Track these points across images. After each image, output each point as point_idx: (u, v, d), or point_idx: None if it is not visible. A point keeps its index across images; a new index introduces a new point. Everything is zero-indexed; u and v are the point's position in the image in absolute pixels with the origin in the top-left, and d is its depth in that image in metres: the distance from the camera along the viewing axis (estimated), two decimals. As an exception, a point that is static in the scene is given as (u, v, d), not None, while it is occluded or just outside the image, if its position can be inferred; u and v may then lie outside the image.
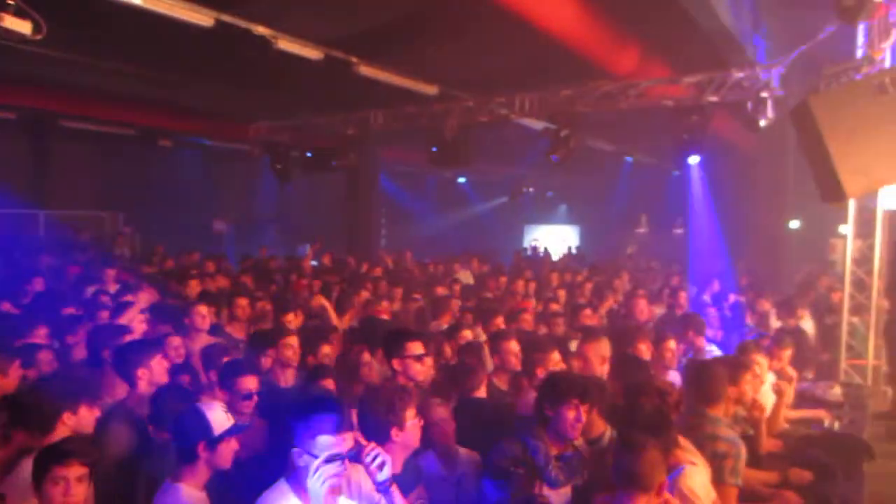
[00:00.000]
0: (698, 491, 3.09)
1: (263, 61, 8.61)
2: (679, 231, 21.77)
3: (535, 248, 22.02)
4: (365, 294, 7.74)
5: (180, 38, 7.71)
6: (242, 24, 7.36)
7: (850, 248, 7.50)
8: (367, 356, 4.54)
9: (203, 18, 6.99)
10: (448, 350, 5.31)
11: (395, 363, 4.00)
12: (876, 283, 7.18)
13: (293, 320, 6.06)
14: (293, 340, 4.70)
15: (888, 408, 6.92)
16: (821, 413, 5.31)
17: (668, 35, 8.47)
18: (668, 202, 21.24)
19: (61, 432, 3.00)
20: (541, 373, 4.26)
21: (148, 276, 9.79)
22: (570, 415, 3.17)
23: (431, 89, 10.16)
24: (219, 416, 2.79)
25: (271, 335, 4.77)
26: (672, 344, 5.07)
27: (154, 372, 3.73)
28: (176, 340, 4.76)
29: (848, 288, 7.44)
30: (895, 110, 5.81)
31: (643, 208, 21.44)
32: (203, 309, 5.61)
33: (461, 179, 23.02)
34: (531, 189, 23.04)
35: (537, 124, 11.11)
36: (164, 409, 3.33)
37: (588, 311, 6.98)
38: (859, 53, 6.51)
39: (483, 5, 6.75)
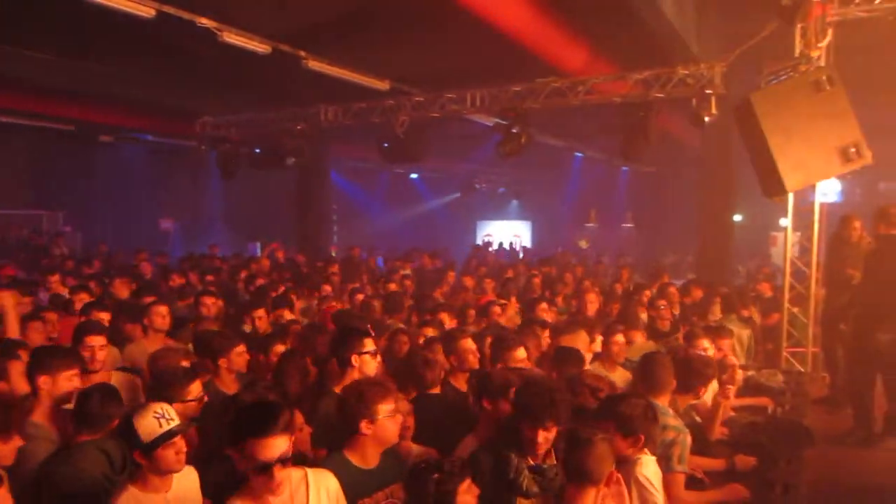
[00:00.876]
0: (653, 479, 3.15)
1: (209, 54, 8.44)
2: (628, 225, 22.25)
3: (488, 244, 22.19)
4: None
5: (121, 30, 7.46)
6: (186, 15, 7.16)
7: (790, 240, 7.75)
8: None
9: (144, 9, 6.76)
10: (403, 347, 5.27)
11: (354, 358, 4.03)
12: (814, 274, 7.44)
13: (263, 317, 6.04)
14: (242, 349, 4.54)
15: (826, 393, 7.19)
16: (764, 400, 5.47)
17: (616, 33, 8.61)
18: (617, 197, 21.72)
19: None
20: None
21: (90, 276, 9.50)
22: (541, 437, 3.13)
23: (382, 85, 10.10)
24: (148, 423, 2.73)
25: (221, 345, 4.52)
26: (620, 338, 5.15)
27: (58, 383, 3.52)
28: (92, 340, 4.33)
29: (788, 279, 7.69)
30: (831, 107, 6.04)
31: (593, 203, 21.82)
32: (163, 309, 5.44)
33: (413, 175, 22.98)
34: (483, 185, 23.17)
35: (488, 120, 11.15)
36: (92, 413, 3.22)
37: (544, 305, 7.02)
38: (797, 52, 6.71)
39: (433, 1, 6.74)
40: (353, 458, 3.03)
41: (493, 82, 9.67)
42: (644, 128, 8.67)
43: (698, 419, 4.50)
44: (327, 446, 3.43)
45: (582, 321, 5.99)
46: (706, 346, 5.03)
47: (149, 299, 6.03)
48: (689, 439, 3.66)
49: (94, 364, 4.12)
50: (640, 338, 6.06)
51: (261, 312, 6.16)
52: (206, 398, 3.65)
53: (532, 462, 3.17)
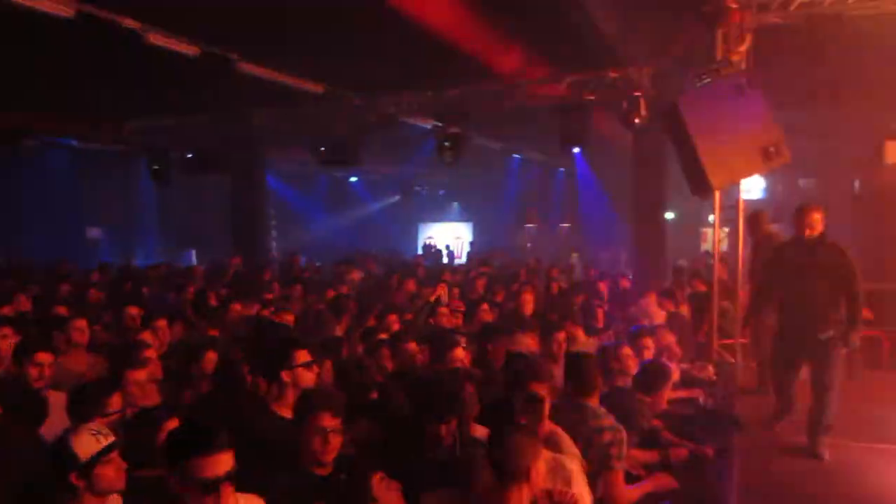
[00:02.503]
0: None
1: (135, 56, 8.16)
2: (566, 226, 22.69)
3: (430, 247, 22.24)
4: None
5: (41, 31, 7.14)
6: (107, 16, 6.90)
7: (717, 237, 8.05)
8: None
9: (62, 9, 6.50)
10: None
11: (284, 374, 3.75)
12: (741, 268, 7.75)
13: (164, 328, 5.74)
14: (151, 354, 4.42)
15: (755, 383, 7.49)
16: (696, 392, 5.66)
17: (549, 37, 8.76)
18: (555, 198, 22.11)
19: None
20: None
21: (11, 288, 9.04)
22: (442, 430, 3.15)
23: (317, 88, 9.99)
24: (86, 441, 2.61)
25: (130, 354, 4.35)
26: (561, 336, 5.25)
27: None
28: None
29: (717, 274, 7.98)
30: (751, 108, 6.30)
31: (532, 204, 22.14)
32: (81, 323, 5.20)
33: (353, 179, 22.81)
34: (423, 187, 23.20)
35: (426, 123, 11.18)
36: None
37: (486, 307, 7.07)
38: (719, 56, 6.98)
39: (367, 4, 6.72)
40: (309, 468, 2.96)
41: (429, 85, 9.71)
42: (579, 129, 8.87)
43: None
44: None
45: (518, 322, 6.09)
46: (649, 345, 5.24)
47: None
48: (625, 435, 3.72)
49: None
50: (581, 334, 6.19)
51: (161, 323, 5.79)
52: (128, 411, 3.50)
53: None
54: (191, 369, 4.59)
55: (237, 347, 5.17)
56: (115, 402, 3.40)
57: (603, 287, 8.39)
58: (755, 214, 7.61)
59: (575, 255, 17.86)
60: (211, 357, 4.63)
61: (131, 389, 3.93)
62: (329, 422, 2.91)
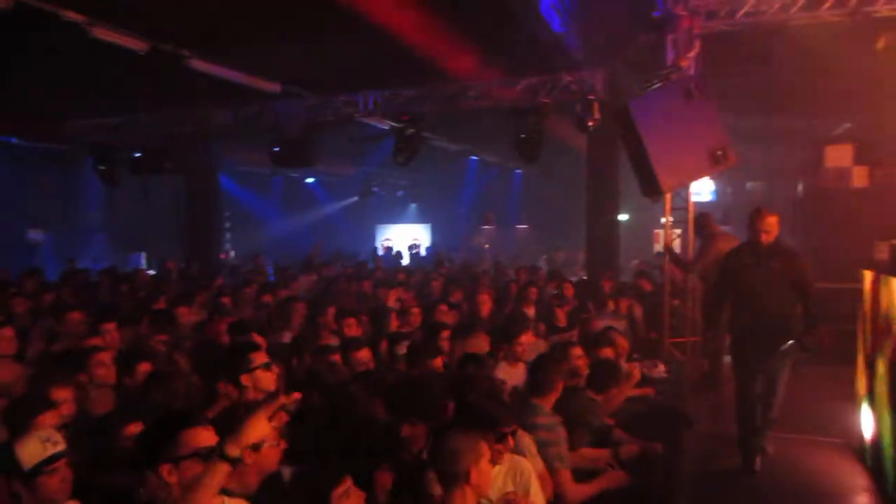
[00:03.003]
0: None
1: (79, 51, 7.91)
2: (523, 227, 22.89)
3: (388, 249, 22.15)
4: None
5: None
6: (49, 7, 6.65)
7: (668, 238, 8.24)
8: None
9: (-1, 1, 6.25)
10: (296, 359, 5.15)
11: (244, 378, 3.72)
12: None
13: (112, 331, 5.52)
14: (105, 357, 4.28)
15: (704, 380, 7.66)
16: (648, 390, 5.77)
17: (504, 39, 8.82)
18: (512, 199, 22.30)
19: None
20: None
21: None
22: (406, 431, 3.15)
23: (273, 87, 9.85)
24: (32, 448, 2.50)
25: (79, 356, 4.26)
26: (525, 339, 5.26)
27: None
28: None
29: (668, 273, 8.17)
30: (700, 113, 6.49)
31: (489, 206, 22.26)
32: (8, 332, 4.94)
33: (310, 180, 22.56)
34: (381, 188, 23.12)
35: (383, 123, 11.14)
36: None
37: (444, 308, 7.05)
38: (669, 61, 7.15)
39: (322, 2, 6.66)
40: (232, 486, 2.82)
41: (386, 85, 9.68)
42: (534, 132, 8.96)
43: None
44: None
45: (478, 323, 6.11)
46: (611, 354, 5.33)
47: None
48: (562, 434, 3.78)
49: None
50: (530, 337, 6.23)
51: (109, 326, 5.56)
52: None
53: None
54: (125, 380, 4.40)
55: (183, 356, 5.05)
56: (50, 418, 3.19)
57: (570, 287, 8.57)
58: (701, 215, 7.83)
59: (543, 258, 18.03)
60: (144, 368, 4.41)
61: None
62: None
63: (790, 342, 5.30)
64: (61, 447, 2.57)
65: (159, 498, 2.26)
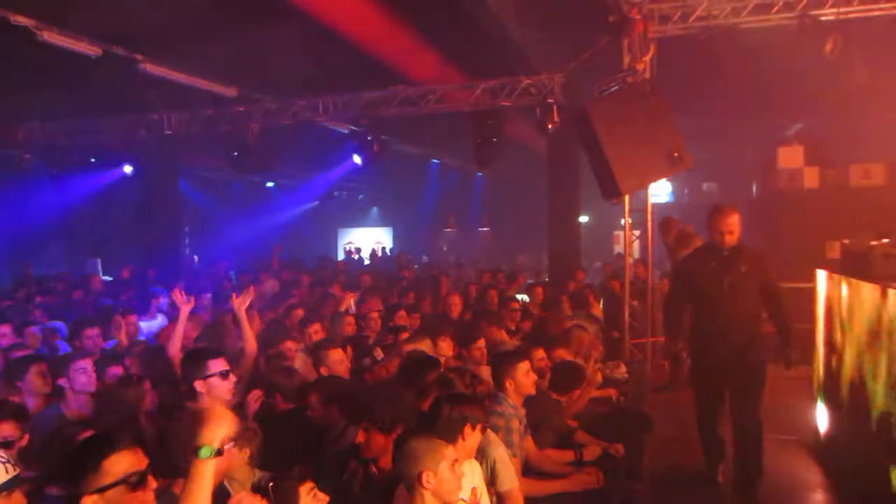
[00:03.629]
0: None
1: (28, 55, 7.70)
2: (485, 230, 22.99)
3: (350, 252, 22.01)
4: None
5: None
6: (-3, 12, 6.51)
7: (629, 239, 8.36)
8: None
9: (-56, 5, 6.07)
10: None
11: (198, 384, 3.69)
12: (650, 268, 8.09)
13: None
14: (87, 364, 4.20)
15: (665, 380, 7.77)
16: (610, 391, 5.84)
17: (462, 43, 8.86)
18: (473, 202, 22.38)
19: None
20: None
21: None
22: (361, 437, 3.12)
23: (229, 91, 9.71)
24: None
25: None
26: (482, 343, 5.28)
27: None
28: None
29: (628, 274, 8.29)
30: (656, 115, 6.59)
31: (451, 208, 22.31)
32: None
33: (269, 184, 22.29)
34: (342, 192, 22.97)
35: (343, 128, 11.06)
36: None
37: (403, 312, 7.02)
38: (626, 65, 7.25)
39: (278, 4, 6.58)
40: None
41: (345, 89, 9.61)
42: (494, 135, 8.99)
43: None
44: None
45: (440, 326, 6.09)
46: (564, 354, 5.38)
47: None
48: (514, 424, 3.86)
49: None
50: (504, 336, 6.27)
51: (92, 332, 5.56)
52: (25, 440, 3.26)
53: (373, 469, 3.14)
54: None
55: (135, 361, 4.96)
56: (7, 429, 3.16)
57: (539, 290, 8.66)
58: (665, 220, 7.86)
59: (522, 258, 18.09)
60: (114, 372, 4.45)
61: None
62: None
63: (761, 359, 4.82)
64: (17, 471, 2.42)
65: None
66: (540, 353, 4.81)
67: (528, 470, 4.04)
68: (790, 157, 10.04)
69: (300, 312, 6.81)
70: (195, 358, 3.86)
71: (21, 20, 6.69)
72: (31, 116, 11.74)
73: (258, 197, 22.27)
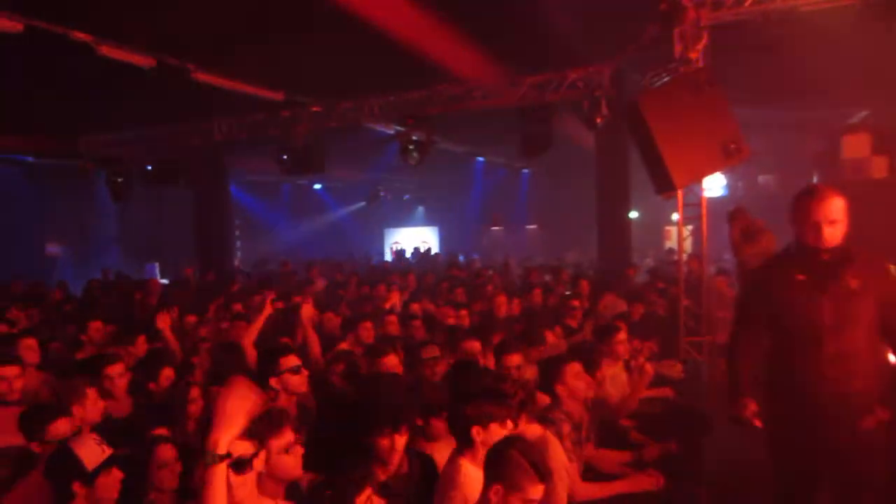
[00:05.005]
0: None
1: (88, 69, 7.97)
2: (532, 227, 22.79)
3: (398, 252, 22.12)
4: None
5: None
6: (58, 29, 6.74)
7: (682, 235, 8.11)
8: (194, 392, 4.20)
9: (10, 24, 6.32)
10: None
11: (273, 381, 3.86)
12: (705, 265, 7.83)
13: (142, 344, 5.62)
14: (118, 369, 4.34)
15: (724, 379, 7.50)
16: (666, 391, 5.68)
17: (507, 38, 8.77)
18: (519, 199, 22.19)
19: None
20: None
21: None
22: (385, 444, 3.07)
23: (276, 95, 9.85)
24: (91, 451, 2.67)
25: (95, 363, 4.36)
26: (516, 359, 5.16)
27: None
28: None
29: (682, 271, 8.05)
30: (711, 106, 6.37)
31: (497, 206, 22.19)
32: (31, 342, 5.07)
33: (317, 186, 22.61)
34: (388, 193, 23.13)
35: (389, 128, 11.11)
36: None
37: (452, 311, 6.98)
38: (677, 54, 7.04)
39: (321, 8, 6.63)
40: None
41: (390, 90, 9.65)
42: (540, 131, 8.90)
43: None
44: None
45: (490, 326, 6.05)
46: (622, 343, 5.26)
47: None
48: (564, 429, 3.74)
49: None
50: (551, 336, 6.19)
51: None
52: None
53: (382, 477, 3.09)
54: (148, 385, 4.52)
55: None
56: (62, 425, 3.31)
57: (585, 284, 8.53)
58: (733, 210, 7.40)
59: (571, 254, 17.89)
60: (167, 374, 4.57)
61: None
62: (288, 437, 2.85)
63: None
64: (111, 450, 2.73)
65: None
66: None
67: (587, 470, 3.96)
68: (855, 145, 9.56)
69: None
70: (269, 355, 4.03)
71: (80, 37, 6.90)
72: (90, 127, 12.20)
73: (306, 199, 22.61)
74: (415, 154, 9.85)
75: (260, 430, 2.80)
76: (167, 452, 3.22)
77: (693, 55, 6.87)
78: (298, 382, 3.91)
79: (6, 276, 11.80)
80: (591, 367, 4.14)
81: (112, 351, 5.04)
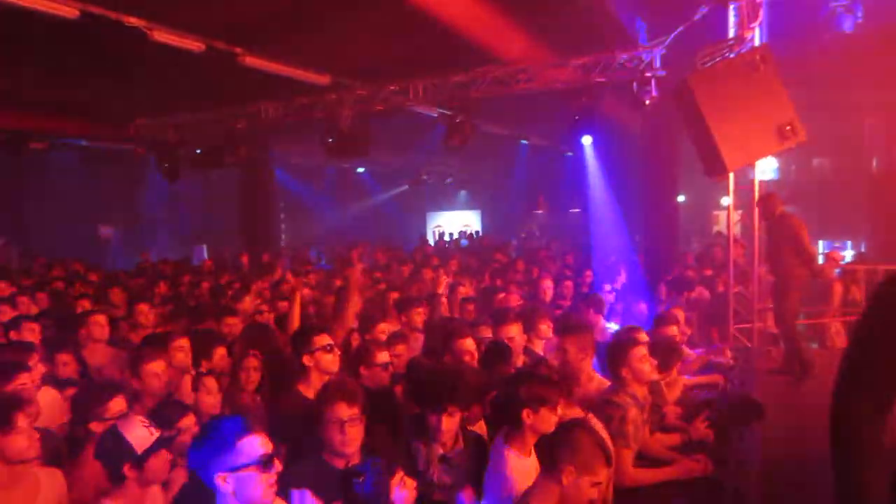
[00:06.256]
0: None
1: (140, 54, 8.13)
2: (576, 211, 22.49)
3: (441, 235, 22.17)
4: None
5: (45, 32, 7.13)
6: (112, 14, 6.88)
7: (732, 219, 7.92)
8: (253, 361, 4.38)
9: (66, 10, 6.48)
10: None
11: (306, 359, 3.94)
12: (756, 251, 7.63)
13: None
14: (184, 343, 4.50)
15: (777, 366, 7.31)
16: (716, 377, 5.59)
17: (554, 18, 8.62)
18: (564, 183, 21.89)
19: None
20: (449, 360, 4.31)
21: (29, 288, 9.09)
22: (444, 423, 3.10)
23: (322, 79, 9.90)
24: (140, 433, 2.70)
25: (159, 341, 4.53)
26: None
27: None
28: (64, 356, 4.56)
29: (732, 256, 7.88)
30: (766, 86, 6.19)
31: (541, 190, 21.96)
32: (100, 318, 5.30)
33: (360, 169, 22.74)
34: (431, 176, 23.09)
35: (433, 111, 11.07)
36: None
37: (502, 295, 6.99)
38: (732, 33, 6.83)
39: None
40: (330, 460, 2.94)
41: (435, 73, 9.61)
42: (586, 113, 8.75)
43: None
44: (290, 443, 3.30)
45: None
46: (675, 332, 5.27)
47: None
48: (630, 413, 3.72)
49: None
50: (601, 321, 6.16)
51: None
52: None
53: (441, 451, 3.13)
54: (200, 366, 4.59)
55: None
56: (115, 406, 3.40)
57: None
58: (767, 196, 7.32)
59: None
60: (221, 353, 4.67)
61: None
62: (345, 412, 2.89)
63: None
64: (160, 432, 2.76)
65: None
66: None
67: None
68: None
69: (395, 295, 6.91)
70: (301, 334, 4.11)
71: (134, 21, 7.03)
72: (140, 112, 12.48)
73: (349, 182, 22.77)
74: (456, 138, 9.81)
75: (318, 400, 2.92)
76: None
77: (748, 33, 6.66)
78: (331, 361, 3.95)
79: (62, 255, 12.25)
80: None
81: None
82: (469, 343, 4.40)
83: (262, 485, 2.27)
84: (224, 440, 2.27)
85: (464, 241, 19.29)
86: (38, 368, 3.96)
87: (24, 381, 3.52)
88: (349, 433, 2.87)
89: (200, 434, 2.43)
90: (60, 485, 3.01)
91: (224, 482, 2.24)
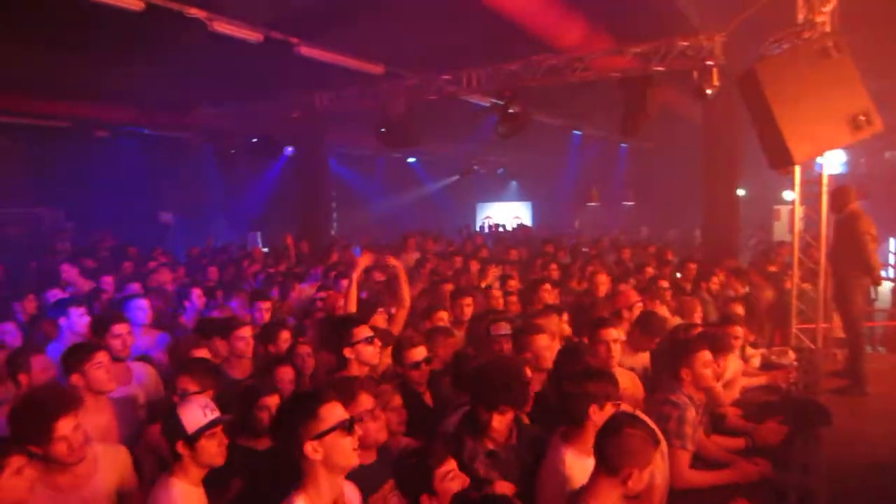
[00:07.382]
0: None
1: (200, 45, 8.29)
2: (630, 203, 22.05)
3: (491, 226, 22.05)
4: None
5: (111, 24, 7.34)
6: (175, 6, 7.04)
7: (798, 214, 7.56)
8: (304, 348, 4.46)
9: (133, 2, 6.66)
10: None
11: (347, 351, 3.96)
12: (823, 248, 7.27)
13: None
14: (246, 332, 4.58)
15: (841, 369, 6.98)
16: (778, 378, 5.37)
17: (612, 6, 8.40)
18: (618, 175, 21.48)
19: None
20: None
21: (92, 270, 9.45)
22: (495, 421, 3.09)
23: (376, 68, 9.92)
24: (194, 414, 2.76)
25: (224, 326, 4.67)
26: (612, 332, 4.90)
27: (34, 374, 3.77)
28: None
29: (797, 254, 7.53)
30: (838, 74, 5.88)
31: (593, 182, 21.59)
32: (142, 303, 5.43)
33: (411, 159, 22.79)
34: (482, 166, 22.98)
35: (485, 101, 10.97)
36: None
37: (548, 286, 6.84)
38: (801, 18, 6.52)
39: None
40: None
41: (488, 62, 9.50)
42: (643, 102, 8.51)
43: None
44: None
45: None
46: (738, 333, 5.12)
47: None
48: (688, 414, 3.62)
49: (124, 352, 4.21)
50: (665, 311, 6.02)
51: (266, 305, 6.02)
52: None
53: (490, 447, 3.09)
54: (268, 349, 4.74)
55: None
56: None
57: (692, 267, 8.23)
58: (841, 189, 6.95)
59: (644, 229, 17.35)
60: (285, 336, 4.78)
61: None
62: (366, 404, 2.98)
63: None
64: (217, 414, 2.82)
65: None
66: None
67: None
68: None
69: (449, 286, 6.87)
70: (342, 326, 4.13)
71: (195, 13, 7.17)
72: (199, 102, 12.76)
73: (400, 172, 22.85)
74: (508, 128, 9.69)
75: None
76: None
77: (819, 18, 6.34)
78: (372, 353, 3.98)
79: (125, 241, 12.68)
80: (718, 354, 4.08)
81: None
82: (544, 339, 4.20)
83: (348, 448, 2.38)
84: (307, 410, 2.39)
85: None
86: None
87: (100, 360, 3.62)
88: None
89: (281, 409, 2.54)
90: (124, 462, 3.09)
91: (314, 451, 2.34)
